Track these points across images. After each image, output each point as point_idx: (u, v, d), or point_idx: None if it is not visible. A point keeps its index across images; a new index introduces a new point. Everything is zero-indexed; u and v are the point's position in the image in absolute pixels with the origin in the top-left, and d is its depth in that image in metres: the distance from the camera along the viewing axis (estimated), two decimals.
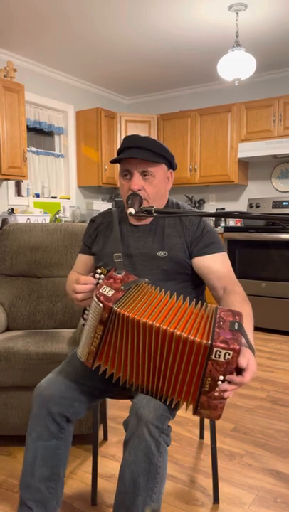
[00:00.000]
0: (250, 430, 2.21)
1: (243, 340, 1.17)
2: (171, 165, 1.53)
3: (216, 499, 1.67)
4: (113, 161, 1.49)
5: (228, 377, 1.12)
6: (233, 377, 1.12)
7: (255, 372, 1.15)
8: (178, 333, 1.13)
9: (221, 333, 1.12)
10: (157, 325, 1.15)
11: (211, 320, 1.19)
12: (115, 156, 1.52)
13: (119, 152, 1.48)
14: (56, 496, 1.42)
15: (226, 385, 1.12)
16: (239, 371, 1.14)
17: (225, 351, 1.10)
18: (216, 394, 1.14)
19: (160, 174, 1.48)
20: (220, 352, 1.10)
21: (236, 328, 1.13)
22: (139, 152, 1.43)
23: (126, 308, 1.20)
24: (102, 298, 1.22)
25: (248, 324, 1.28)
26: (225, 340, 1.11)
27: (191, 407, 1.22)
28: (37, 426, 1.38)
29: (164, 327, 1.15)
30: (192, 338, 1.12)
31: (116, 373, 1.27)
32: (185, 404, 1.22)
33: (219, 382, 1.13)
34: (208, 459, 1.96)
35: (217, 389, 1.13)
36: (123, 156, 1.43)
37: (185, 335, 1.13)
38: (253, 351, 1.18)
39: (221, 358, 1.11)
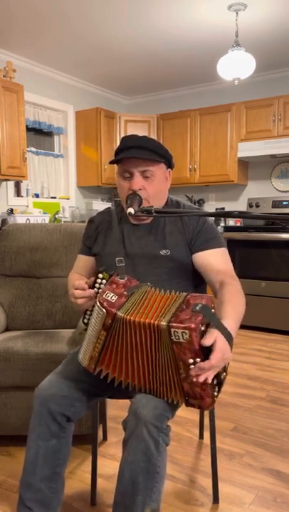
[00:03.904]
0: (250, 430, 2.21)
1: (219, 325, 1.17)
2: (170, 164, 1.53)
3: (215, 499, 1.67)
4: (113, 162, 1.48)
5: (198, 364, 1.12)
6: (201, 363, 1.12)
7: (225, 354, 1.14)
8: (141, 320, 1.16)
9: (181, 314, 1.14)
10: (137, 319, 1.17)
11: (180, 305, 1.20)
12: (115, 156, 1.52)
13: (118, 153, 1.47)
14: (57, 495, 1.42)
15: (195, 370, 1.12)
16: (209, 353, 1.13)
17: (181, 331, 1.11)
18: (194, 380, 1.14)
19: (160, 174, 1.48)
20: (177, 332, 1.11)
21: (197, 309, 1.14)
22: (139, 152, 1.42)
23: (129, 313, 1.20)
24: (105, 304, 1.21)
25: (232, 313, 1.27)
26: (181, 320, 1.12)
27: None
28: (38, 426, 1.39)
29: (138, 319, 1.17)
30: (152, 322, 1.15)
31: (118, 378, 1.27)
32: (179, 399, 1.22)
33: (191, 367, 1.13)
34: (208, 459, 1.95)
35: (190, 373, 1.13)
36: (123, 155, 1.43)
37: (147, 320, 1.15)
38: (227, 334, 1.17)
39: (181, 339, 1.11)
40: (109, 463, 1.92)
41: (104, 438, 2.12)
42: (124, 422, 1.27)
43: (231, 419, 2.33)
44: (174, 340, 1.12)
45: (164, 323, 1.13)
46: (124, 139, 1.47)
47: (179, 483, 1.78)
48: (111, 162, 1.49)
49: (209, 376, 1.14)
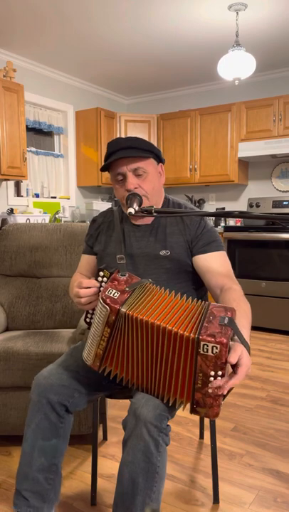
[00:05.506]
0: (250, 430, 2.21)
1: (236, 337, 1.16)
2: (160, 159, 1.54)
3: (216, 499, 1.66)
4: (103, 169, 1.49)
5: (225, 379, 1.11)
6: (228, 380, 1.10)
7: (249, 368, 1.13)
8: (169, 327, 1.14)
9: (210, 327, 1.12)
10: (156, 322, 1.16)
11: (203, 315, 1.19)
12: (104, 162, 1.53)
13: (106, 159, 1.49)
14: (54, 487, 1.41)
15: (218, 381, 1.11)
16: (232, 366, 1.13)
17: (212, 345, 1.09)
18: (210, 391, 1.13)
19: (152, 169, 1.49)
20: (207, 346, 1.10)
21: (226, 322, 1.13)
22: (126, 152, 1.44)
23: (133, 309, 1.20)
24: (108, 300, 1.21)
25: (244, 322, 1.27)
26: (212, 334, 1.10)
27: (188, 406, 1.21)
28: (36, 415, 1.38)
29: (157, 322, 1.15)
30: (180, 332, 1.13)
31: (119, 374, 1.27)
32: (182, 403, 1.21)
33: (211, 379, 1.12)
34: (208, 459, 1.95)
35: (210, 385, 1.12)
36: (111, 159, 1.44)
37: (175, 329, 1.14)
38: (248, 347, 1.17)
39: (209, 352, 1.10)
40: (109, 463, 1.91)
41: (105, 438, 2.12)
42: (124, 421, 1.27)
43: (231, 419, 2.33)
44: (201, 352, 1.11)
45: (194, 335, 1.11)
46: (108, 145, 1.49)
47: (179, 483, 1.78)
48: (102, 170, 1.50)
49: (227, 389, 1.13)
